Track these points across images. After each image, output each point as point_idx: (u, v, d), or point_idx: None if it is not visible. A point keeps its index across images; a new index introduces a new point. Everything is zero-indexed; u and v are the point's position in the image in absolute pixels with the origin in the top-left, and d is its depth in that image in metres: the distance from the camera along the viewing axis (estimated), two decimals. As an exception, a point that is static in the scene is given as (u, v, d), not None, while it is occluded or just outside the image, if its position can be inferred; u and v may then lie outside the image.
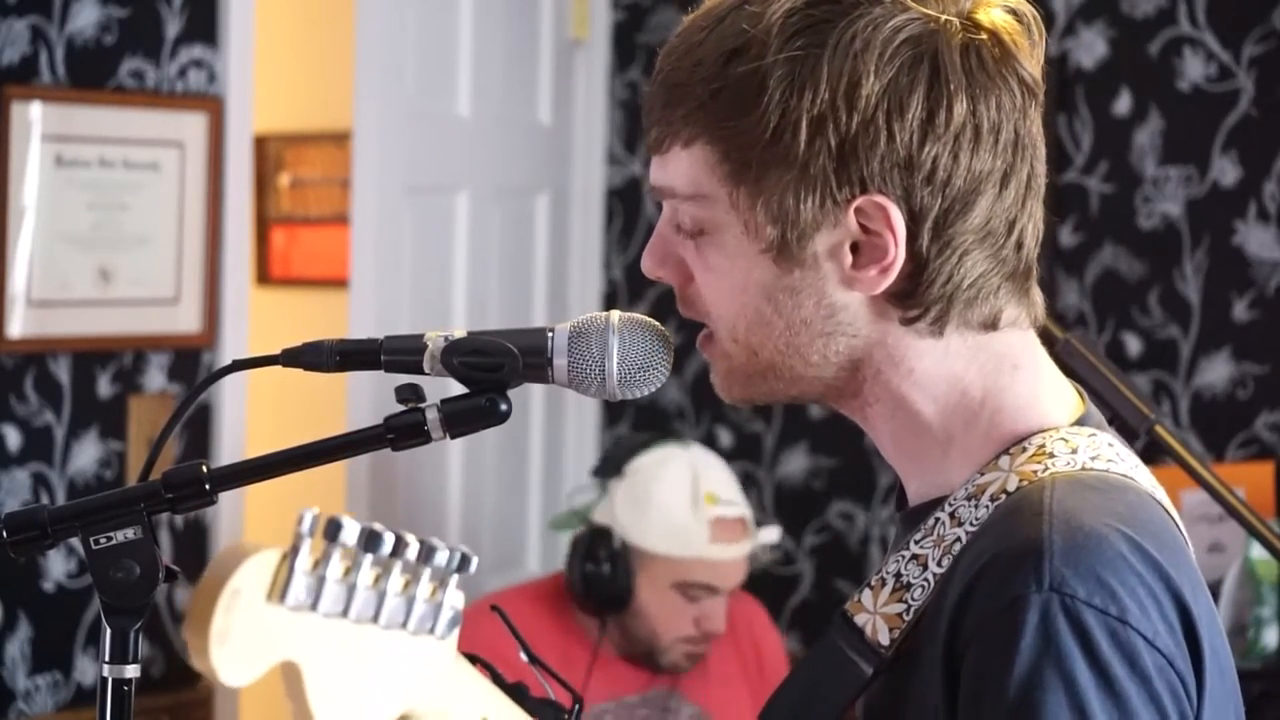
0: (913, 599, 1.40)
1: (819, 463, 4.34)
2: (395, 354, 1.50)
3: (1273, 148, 3.86)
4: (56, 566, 3.47)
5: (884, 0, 1.40)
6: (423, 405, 1.48)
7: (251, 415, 3.84)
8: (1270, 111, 3.87)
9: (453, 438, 1.49)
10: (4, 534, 1.48)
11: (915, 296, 1.41)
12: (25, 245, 3.43)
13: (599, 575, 3.17)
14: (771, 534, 3.32)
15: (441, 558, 1.22)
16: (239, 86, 3.73)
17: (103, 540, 1.45)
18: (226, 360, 3.67)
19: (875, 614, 1.41)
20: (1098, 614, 1.30)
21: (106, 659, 1.46)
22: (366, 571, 1.18)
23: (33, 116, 3.42)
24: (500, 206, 4.30)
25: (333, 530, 1.16)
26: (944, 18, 1.40)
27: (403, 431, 1.48)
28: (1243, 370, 3.89)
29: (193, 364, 3.69)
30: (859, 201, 1.39)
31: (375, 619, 1.19)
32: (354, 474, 3.92)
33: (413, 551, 1.20)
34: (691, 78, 1.42)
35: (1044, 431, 1.43)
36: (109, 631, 1.46)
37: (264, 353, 1.52)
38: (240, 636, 1.12)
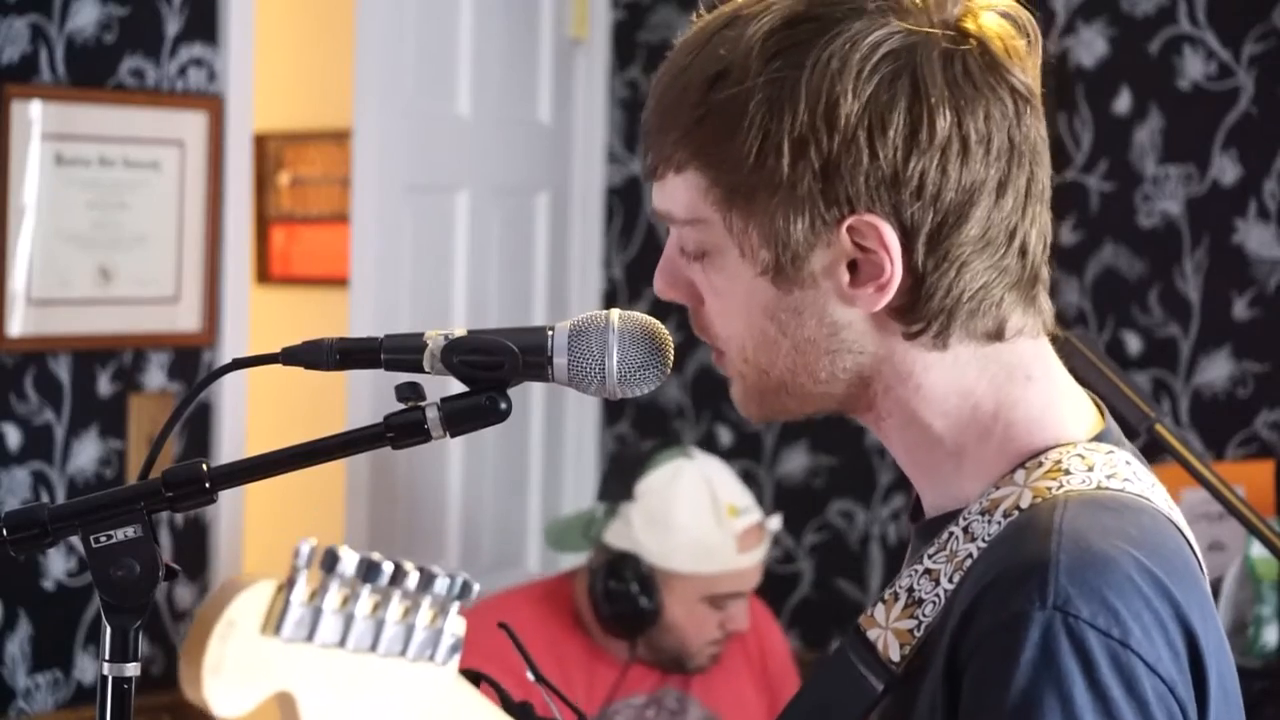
0: (924, 615, 1.39)
1: (819, 461, 4.34)
2: (395, 352, 1.49)
3: (1273, 146, 3.86)
4: (56, 565, 3.48)
5: (865, 14, 1.38)
6: (423, 404, 1.48)
7: (251, 414, 3.84)
8: (1270, 110, 3.87)
9: (453, 436, 1.49)
10: (4, 532, 1.47)
11: (916, 311, 1.40)
12: (25, 244, 3.43)
13: (630, 602, 3.16)
14: (775, 522, 3.32)
15: (441, 585, 1.22)
16: (239, 85, 3.73)
17: (103, 539, 1.45)
18: (226, 359, 3.67)
19: (887, 629, 1.40)
20: (1100, 635, 1.28)
21: (106, 657, 1.46)
22: (365, 601, 1.18)
23: (33, 115, 3.42)
24: (500, 206, 4.30)
25: (330, 561, 1.16)
26: (926, 29, 1.38)
27: (403, 430, 1.48)
28: (1243, 369, 3.89)
29: (193, 363, 3.69)
30: (850, 221, 1.38)
31: (373, 648, 1.19)
32: (354, 473, 3.92)
33: (412, 580, 1.20)
34: (679, 103, 1.41)
35: (1060, 446, 1.41)
36: (109, 630, 1.45)
37: (264, 351, 1.52)
38: (234, 668, 1.13)
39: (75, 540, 1.47)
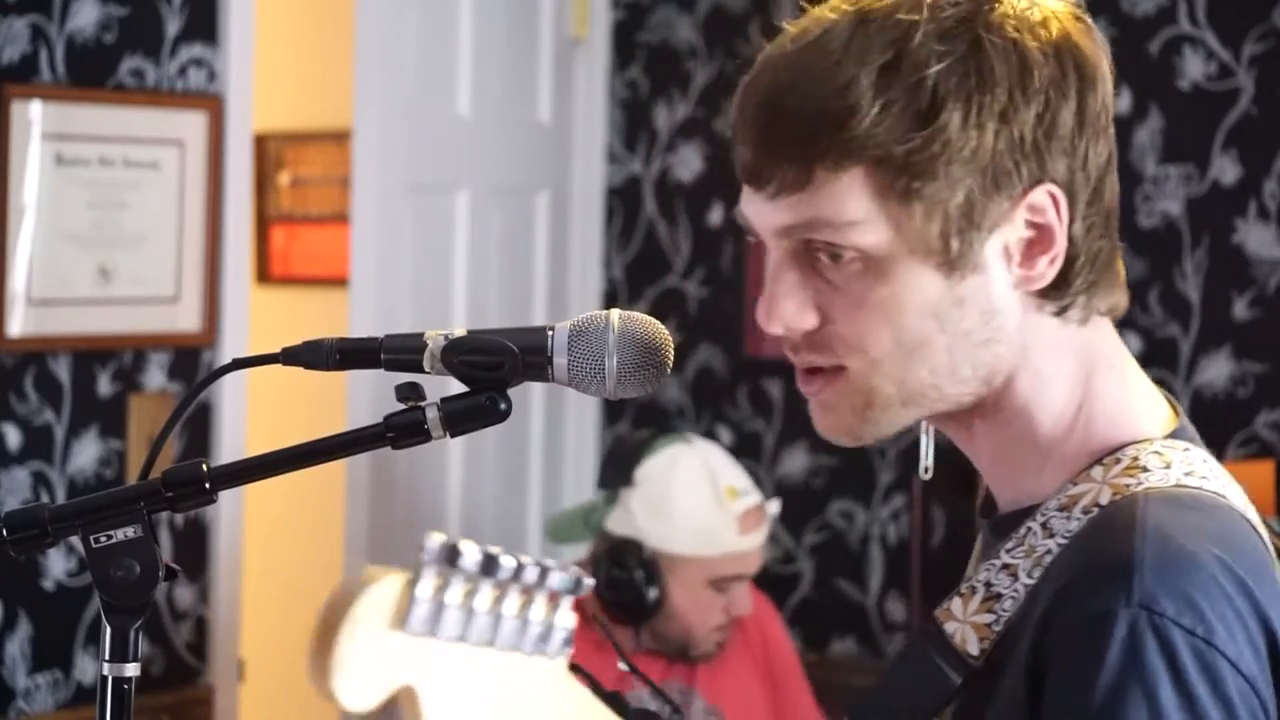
0: (1003, 609, 1.39)
1: (819, 461, 4.34)
2: (395, 352, 1.50)
3: (1273, 146, 3.86)
4: (56, 565, 3.48)
5: None
6: (423, 404, 1.48)
7: (251, 414, 3.84)
8: (1270, 110, 3.87)
9: (453, 436, 1.49)
10: (4, 532, 1.48)
11: (1067, 284, 1.42)
12: (25, 244, 3.43)
13: (634, 589, 3.16)
14: (775, 506, 3.33)
15: (555, 579, 1.23)
16: (239, 85, 3.73)
17: (103, 539, 1.45)
18: (226, 359, 3.67)
19: (965, 623, 1.40)
20: (1185, 634, 1.29)
21: (106, 657, 1.46)
22: (485, 595, 1.20)
23: (33, 115, 3.42)
24: (500, 206, 4.30)
25: (453, 556, 1.18)
26: (1053, 4, 1.42)
27: (403, 430, 1.48)
28: (1243, 369, 3.89)
29: (193, 363, 3.69)
30: (1035, 192, 1.40)
31: (492, 641, 1.21)
32: (354, 473, 3.92)
33: (530, 574, 1.21)
34: (839, 104, 1.38)
35: (1137, 443, 1.42)
36: (109, 630, 1.46)
37: (264, 351, 1.52)
38: (361, 663, 1.15)
39: (75, 540, 1.47)
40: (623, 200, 4.57)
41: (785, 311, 1.43)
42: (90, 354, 3.55)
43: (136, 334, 3.61)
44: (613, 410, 4.56)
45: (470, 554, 1.17)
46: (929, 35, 1.38)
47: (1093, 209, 1.43)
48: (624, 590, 3.16)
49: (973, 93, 1.37)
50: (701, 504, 3.18)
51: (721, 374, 4.43)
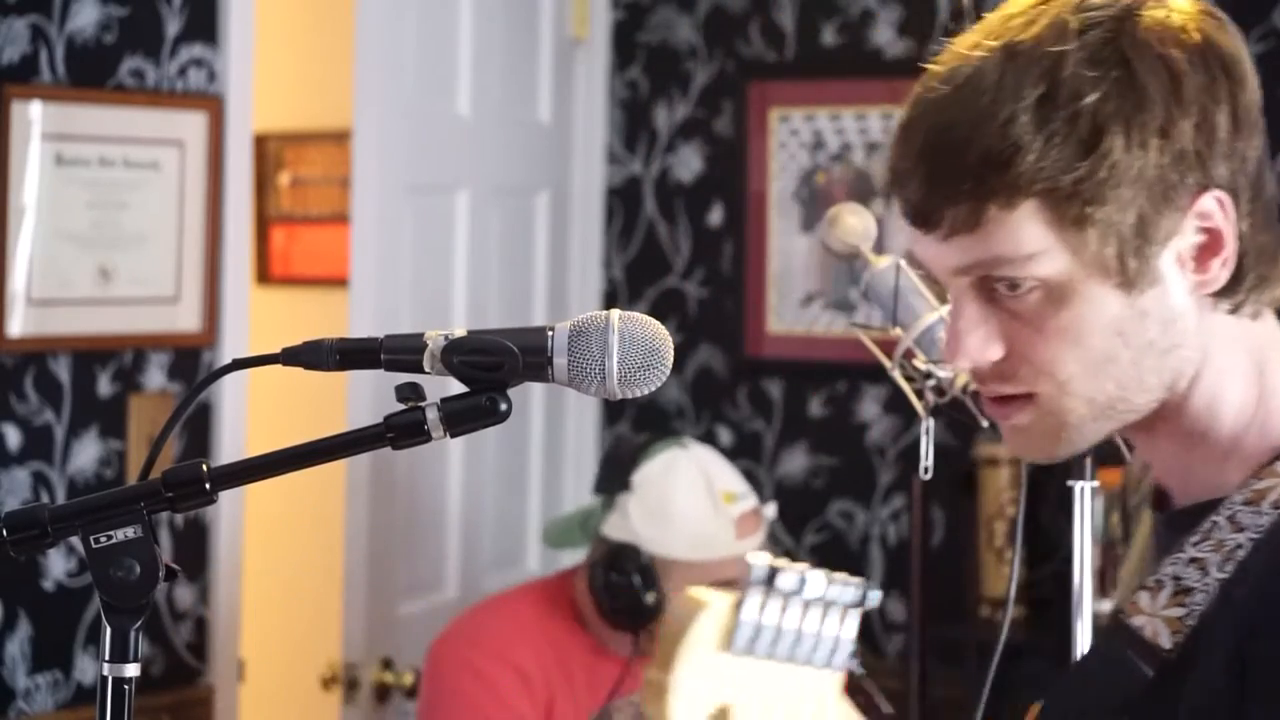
0: (1194, 603, 1.41)
1: (819, 461, 4.34)
2: (395, 353, 1.50)
3: (1273, 146, 3.85)
4: (56, 565, 3.48)
5: (1141, 2, 1.43)
6: (423, 404, 1.48)
7: (251, 415, 3.84)
8: (1270, 110, 3.86)
9: (452, 436, 1.49)
10: (4, 533, 1.48)
11: (1240, 282, 1.45)
12: (25, 244, 3.43)
13: (632, 594, 3.15)
14: (771, 510, 3.33)
15: (848, 593, 1.28)
16: (239, 85, 3.73)
17: (103, 539, 1.46)
18: (226, 359, 3.67)
19: (1155, 616, 1.43)
20: None
21: (106, 658, 1.46)
22: (794, 612, 1.24)
23: (33, 115, 3.42)
24: (500, 206, 4.30)
25: (770, 577, 1.23)
26: (1185, 5, 1.45)
27: (403, 430, 1.48)
28: (1243, 369, 3.89)
29: (193, 363, 3.69)
30: (1202, 199, 1.42)
31: (793, 657, 1.26)
32: (354, 473, 3.92)
33: (834, 591, 1.26)
34: (1002, 143, 1.40)
35: None
36: (109, 630, 1.46)
37: (264, 352, 1.52)
38: (693, 685, 1.21)
39: (75, 540, 1.48)
40: (623, 200, 4.57)
41: (971, 346, 1.45)
42: (90, 354, 3.55)
43: (136, 334, 3.61)
44: (613, 411, 4.56)
45: (788, 575, 1.22)
46: (1079, 63, 1.40)
47: (1255, 204, 1.45)
48: (622, 595, 3.16)
49: (1131, 115, 1.40)
50: (698, 508, 3.18)
51: (721, 374, 4.43)
